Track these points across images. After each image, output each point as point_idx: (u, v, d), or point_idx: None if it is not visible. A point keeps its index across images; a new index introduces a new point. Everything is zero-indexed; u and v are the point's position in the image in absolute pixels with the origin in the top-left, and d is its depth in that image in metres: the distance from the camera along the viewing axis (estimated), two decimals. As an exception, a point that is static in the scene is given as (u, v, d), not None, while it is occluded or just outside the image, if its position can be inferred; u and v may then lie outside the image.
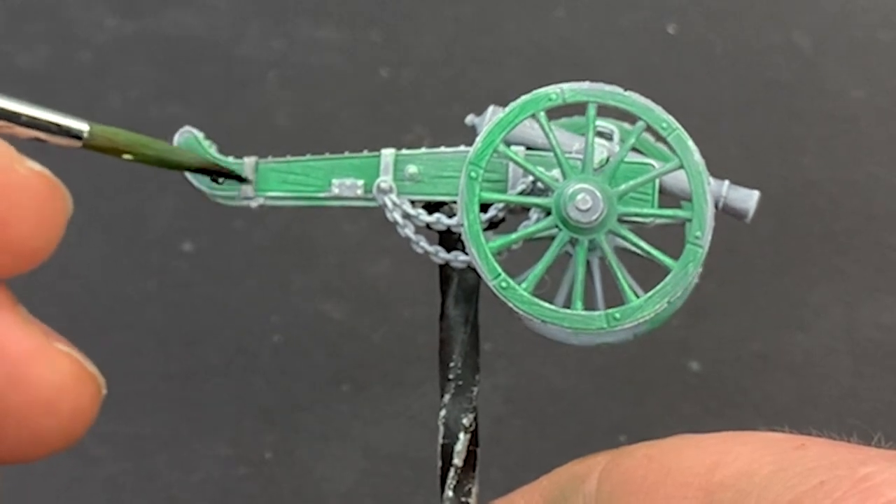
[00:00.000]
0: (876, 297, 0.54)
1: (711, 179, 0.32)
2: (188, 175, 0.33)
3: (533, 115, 0.30)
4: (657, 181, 0.31)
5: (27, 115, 0.29)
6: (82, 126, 0.31)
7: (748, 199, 0.32)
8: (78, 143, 0.31)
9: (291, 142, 0.56)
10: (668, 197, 0.32)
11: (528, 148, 0.32)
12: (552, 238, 0.31)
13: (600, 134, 0.32)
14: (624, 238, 0.30)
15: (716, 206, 0.32)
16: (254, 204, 0.33)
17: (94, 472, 0.52)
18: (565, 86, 0.31)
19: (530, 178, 0.31)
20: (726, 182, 0.32)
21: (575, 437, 0.52)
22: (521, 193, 0.31)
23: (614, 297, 0.32)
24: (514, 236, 0.31)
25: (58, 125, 0.30)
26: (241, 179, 0.33)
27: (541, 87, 0.31)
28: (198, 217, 0.54)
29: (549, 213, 0.31)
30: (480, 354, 0.33)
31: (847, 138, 0.56)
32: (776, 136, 0.56)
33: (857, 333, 0.53)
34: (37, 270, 0.57)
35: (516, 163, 0.31)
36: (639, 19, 0.57)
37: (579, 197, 0.30)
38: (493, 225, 0.32)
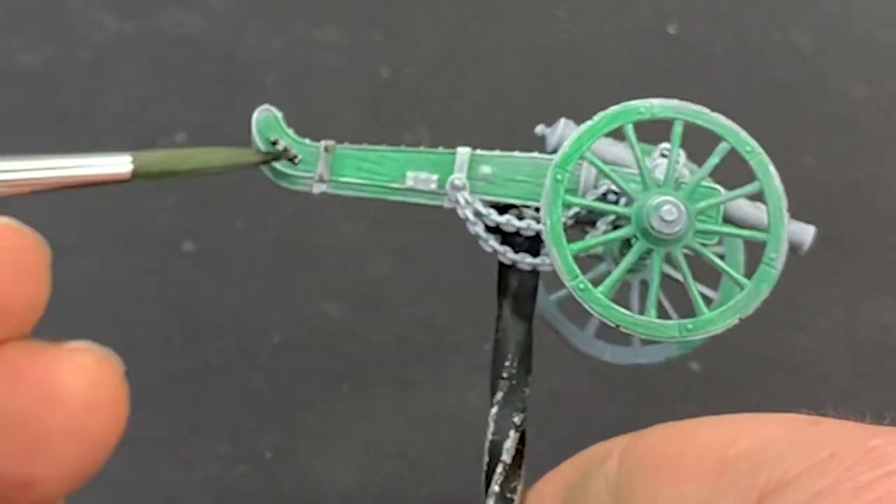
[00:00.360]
0: (876, 297, 0.54)
1: None
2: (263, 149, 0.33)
3: (621, 127, 0.31)
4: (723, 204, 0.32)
5: (73, 176, 0.29)
6: (125, 169, 0.30)
7: (805, 232, 0.34)
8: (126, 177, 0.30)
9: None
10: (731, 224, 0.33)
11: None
12: (623, 246, 0.32)
13: (662, 155, 0.32)
14: (700, 253, 0.31)
15: None
16: (316, 190, 0.33)
17: (94, 472, 0.52)
18: (654, 101, 0.31)
19: (601, 189, 0.32)
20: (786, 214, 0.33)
21: (574, 438, 0.52)
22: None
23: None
24: (593, 241, 0.31)
25: (102, 177, 0.29)
26: (291, 160, 0.33)
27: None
28: (198, 217, 0.54)
29: (615, 226, 0.31)
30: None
31: (847, 138, 0.56)
32: (776, 136, 0.56)
33: (856, 333, 0.53)
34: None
35: (601, 171, 0.31)
36: (639, 19, 0.57)
37: (665, 208, 0.30)
38: None
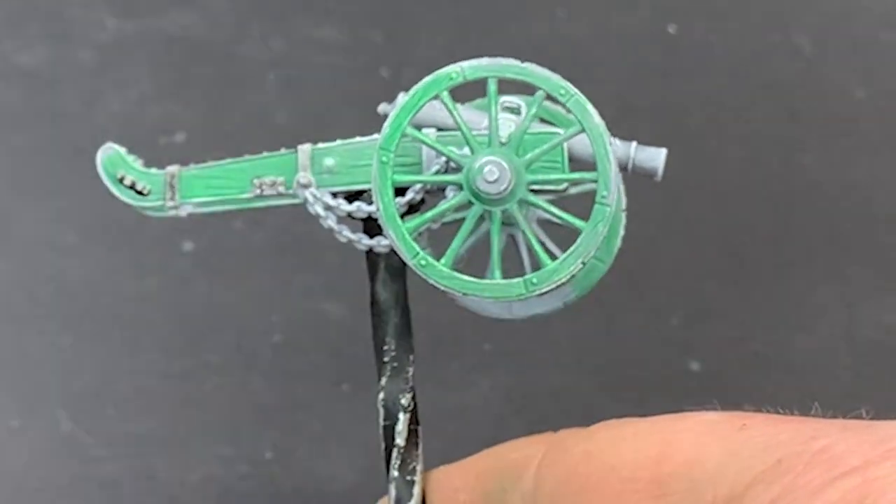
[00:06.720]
0: (876, 297, 0.54)
1: (618, 141, 0.33)
2: (111, 187, 0.34)
3: (436, 96, 0.31)
4: (565, 148, 0.32)
5: None
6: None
7: (656, 156, 0.33)
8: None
9: (291, 142, 0.56)
10: (581, 165, 0.33)
11: (439, 129, 0.33)
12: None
13: (508, 109, 0.32)
14: (534, 205, 0.31)
15: (625, 169, 0.33)
16: (182, 213, 0.34)
17: (94, 472, 0.52)
18: (465, 64, 0.32)
19: (444, 158, 0.32)
20: (634, 143, 0.33)
21: (575, 437, 0.52)
22: (436, 174, 0.32)
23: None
24: (428, 215, 0.31)
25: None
26: (140, 193, 0.34)
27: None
28: (198, 217, 0.54)
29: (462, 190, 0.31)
30: (414, 338, 0.34)
31: (847, 138, 0.56)
32: (776, 136, 0.56)
33: (857, 334, 0.53)
34: (38, 270, 0.57)
35: (425, 143, 0.32)
36: (639, 19, 0.57)
37: (486, 169, 0.30)
38: (412, 208, 0.33)
